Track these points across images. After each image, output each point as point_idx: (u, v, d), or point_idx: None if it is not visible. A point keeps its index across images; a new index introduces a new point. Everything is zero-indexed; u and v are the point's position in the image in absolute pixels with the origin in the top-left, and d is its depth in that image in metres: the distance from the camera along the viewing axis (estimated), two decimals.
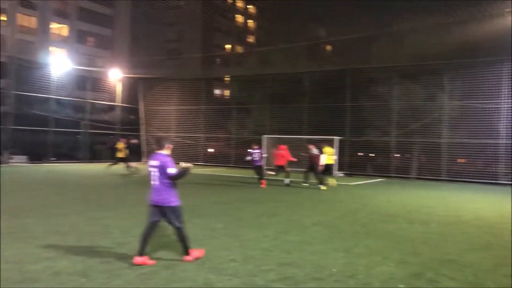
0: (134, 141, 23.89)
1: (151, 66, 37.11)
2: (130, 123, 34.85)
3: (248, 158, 18.48)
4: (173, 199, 6.36)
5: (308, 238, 8.31)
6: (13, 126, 27.65)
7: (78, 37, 54.33)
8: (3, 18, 47.29)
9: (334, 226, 9.73)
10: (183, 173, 6.35)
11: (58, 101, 30.52)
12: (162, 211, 6.35)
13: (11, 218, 9.26)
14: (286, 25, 58.30)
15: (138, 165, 23.68)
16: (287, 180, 18.74)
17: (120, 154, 22.67)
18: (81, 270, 5.85)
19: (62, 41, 52.68)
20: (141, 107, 34.55)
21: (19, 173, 21.70)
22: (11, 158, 27.50)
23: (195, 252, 6.58)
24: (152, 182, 6.43)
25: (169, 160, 6.37)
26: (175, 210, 6.36)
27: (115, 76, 33.71)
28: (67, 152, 32.45)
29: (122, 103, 34.41)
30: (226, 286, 5.50)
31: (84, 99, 32.38)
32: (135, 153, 23.86)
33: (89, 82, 32.80)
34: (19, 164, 26.99)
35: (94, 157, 32.33)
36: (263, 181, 18.07)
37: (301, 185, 18.42)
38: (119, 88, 34.15)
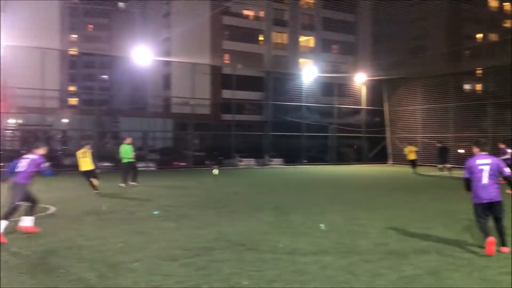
0: (438, 144, 24.23)
1: (394, 66, 36.49)
2: (375, 125, 35.05)
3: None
4: (500, 194, 6.91)
5: None
6: (271, 132, 31.18)
7: (323, 46, 57.60)
8: (261, 38, 53.82)
9: None
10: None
11: (308, 108, 32.98)
12: (491, 207, 6.86)
13: (279, 214, 10.42)
14: None
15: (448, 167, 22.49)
16: None
17: (411, 157, 24.10)
18: (346, 267, 6.15)
19: (310, 52, 56.73)
20: (386, 108, 34.33)
21: (277, 174, 24.28)
22: (271, 161, 31.01)
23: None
24: (480, 181, 6.88)
25: (501, 161, 7.31)
26: (502, 204, 6.92)
27: (360, 80, 34.41)
28: (317, 155, 34.69)
29: (367, 106, 34.87)
30: None
31: (331, 104, 34.11)
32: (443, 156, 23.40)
33: (335, 88, 34.39)
34: (277, 166, 30.19)
35: (340, 159, 33.68)
36: None
37: None
38: (363, 92, 34.72)
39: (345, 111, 36.09)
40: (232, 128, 30.72)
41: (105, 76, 72.85)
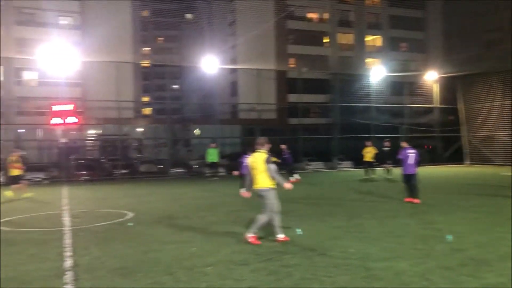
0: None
1: (469, 62, 34.62)
2: (449, 124, 33.39)
3: None
4: None
5: None
6: (339, 135, 30.70)
7: (392, 45, 55.91)
8: (326, 40, 53.28)
9: None
10: None
11: (377, 109, 32.10)
12: None
13: (349, 218, 10.23)
14: None
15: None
16: None
17: None
18: (421, 273, 5.90)
19: (377, 51, 55.29)
20: (461, 106, 32.62)
21: (346, 177, 23.84)
22: (340, 164, 30.52)
23: None
24: None
25: None
26: None
27: (431, 78, 32.99)
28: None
29: (439, 105, 33.33)
30: None
31: (401, 104, 32.96)
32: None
33: (405, 87, 33.20)
34: (346, 169, 29.66)
35: None
36: None
37: None
38: (435, 90, 33.24)
39: (417, 110, 34.73)
40: (299, 132, 30.61)
41: (176, 86, 75.67)
